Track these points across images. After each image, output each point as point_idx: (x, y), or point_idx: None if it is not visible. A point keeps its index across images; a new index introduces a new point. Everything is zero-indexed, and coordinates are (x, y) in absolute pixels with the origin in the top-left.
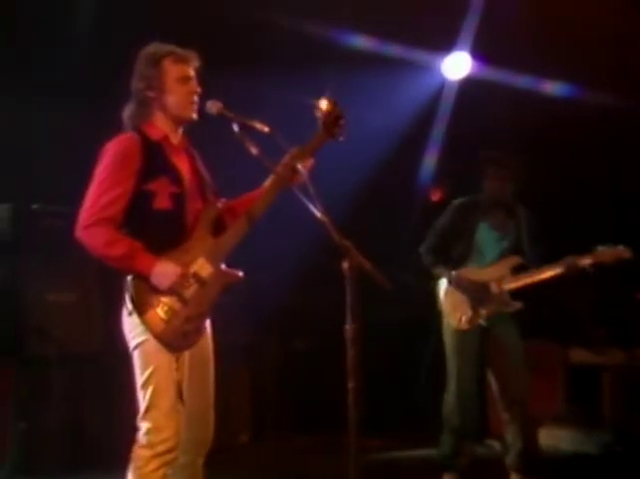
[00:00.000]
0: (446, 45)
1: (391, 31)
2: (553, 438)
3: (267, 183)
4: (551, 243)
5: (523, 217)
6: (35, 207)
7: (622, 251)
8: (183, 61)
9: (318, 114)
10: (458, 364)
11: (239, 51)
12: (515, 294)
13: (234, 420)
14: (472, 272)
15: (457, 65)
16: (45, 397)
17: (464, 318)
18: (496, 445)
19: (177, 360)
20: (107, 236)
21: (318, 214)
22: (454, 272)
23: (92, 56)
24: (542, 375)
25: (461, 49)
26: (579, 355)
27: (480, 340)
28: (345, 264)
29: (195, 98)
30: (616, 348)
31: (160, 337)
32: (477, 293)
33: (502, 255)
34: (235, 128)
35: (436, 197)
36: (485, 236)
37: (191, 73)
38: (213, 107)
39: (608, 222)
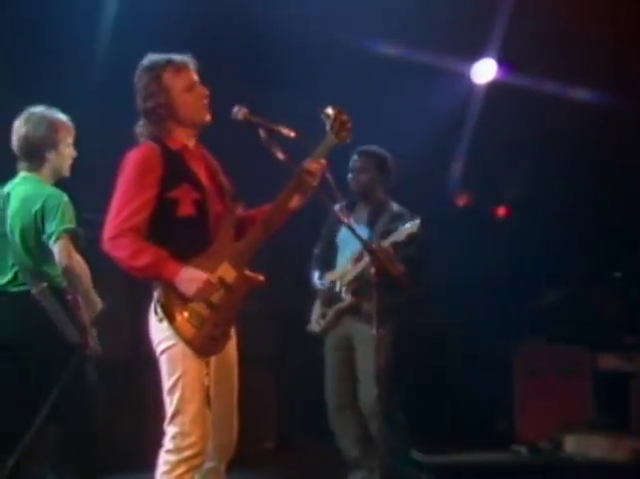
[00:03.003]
0: (473, 52)
1: (419, 38)
2: (582, 445)
3: (283, 192)
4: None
5: (388, 211)
6: None
7: (410, 228)
8: (183, 68)
9: (325, 120)
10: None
11: (267, 60)
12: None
13: (260, 426)
14: (331, 274)
15: (484, 71)
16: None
17: (313, 321)
18: (523, 451)
19: (207, 365)
20: (132, 246)
21: (345, 219)
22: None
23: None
24: (571, 382)
25: (488, 56)
26: (608, 362)
27: (347, 348)
28: (372, 270)
29: (206, 101)
30: None
31: (190, 343)
32: (324, 295)
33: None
34: (262, 134)
35: (462, 201)
36: (346, 233)
37: (195, 77)
38: (240, 113)
39: (636, 223)
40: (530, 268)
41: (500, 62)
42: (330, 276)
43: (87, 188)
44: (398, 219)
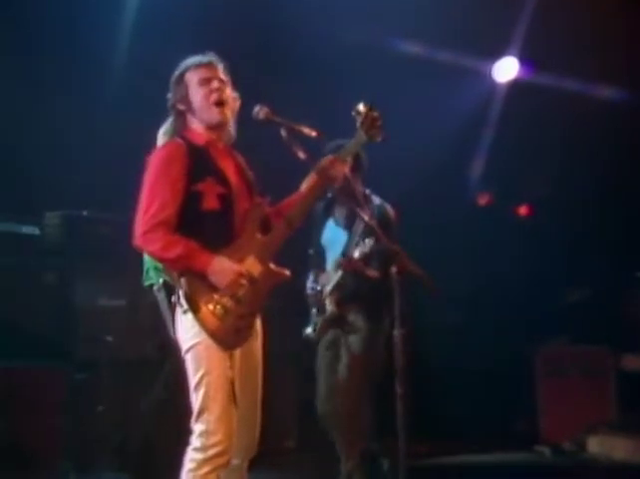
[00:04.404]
0: (495, 50)
1: (441, 37)
2: (606, 446)
3: (305, 186)
4: None
5: (373, 210)
6: (84, 213)
7: (363, 248)
8: (203, 65)
9: (356, 117)
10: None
11: (289, 58)
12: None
13: (281, 425)
14: (324, 276)
15: (505, 70)
16: (96, 401)
17: (309, 328)
18: (547, 451)
19: (231, 358)
20: (163, 240)
21: (366, 218)
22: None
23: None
24: (594, 382)
25: (510, 54)
26: (632, 362)
27: (335, 350)
28: (393, 269)
29: (215, 97)
30: None
31: (213, 335)
32: (314, 299)
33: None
34: (283, 133)
35: (483, 201)
36: (331, 234)
37: (211, 74)
38: (261, 112)
39: None
40: (553, 268)
41: (522, 60)
42: (322, 279)
43: (108, 187)
44: (380, 212)
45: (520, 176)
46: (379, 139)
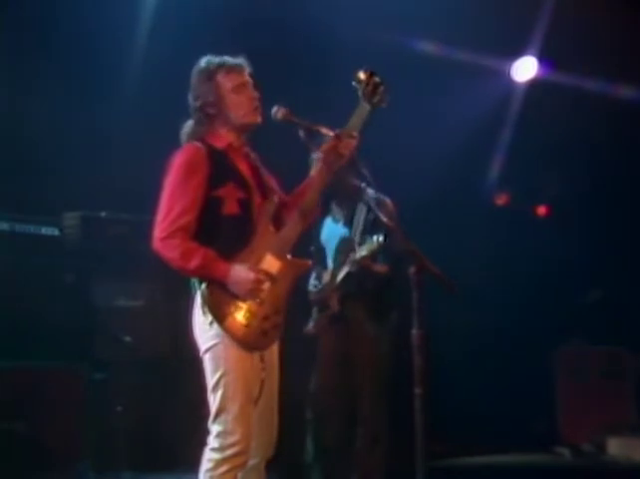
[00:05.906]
0: (514, 49)
1: (459, 36)
2: (625, 448)
3: (314, 171)
4: None
5: (365, 206)
6: (103, 214)
7: (371, 245)
8: (236, 70)
9: (357, 86)
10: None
11: (306, 58)
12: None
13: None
14: (326, 274)
15: (524, 69)
16: (115, 401)
17: (310, 325)
18: (566, 452)
19: (263, 360)
20: (181, 248)
21: (384, 218)
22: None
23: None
24: (614, 383)
25: (529, 53)
26: None
27: (339, 344)
28: (411, 269)
29: (256, 103)
30: None
31: (242, 341)
32: (316, 297)
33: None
34: (301, 133)
35: (501, 201)
36: (329, 232)
37: (246, 79)
38: (279, 112)
39: None
40: (572, 268)
41: (541, 60)
42: (325, 277)
43: (124, 188)
44: (377, 204)
45: (539, 176)
46: (383, 105)
